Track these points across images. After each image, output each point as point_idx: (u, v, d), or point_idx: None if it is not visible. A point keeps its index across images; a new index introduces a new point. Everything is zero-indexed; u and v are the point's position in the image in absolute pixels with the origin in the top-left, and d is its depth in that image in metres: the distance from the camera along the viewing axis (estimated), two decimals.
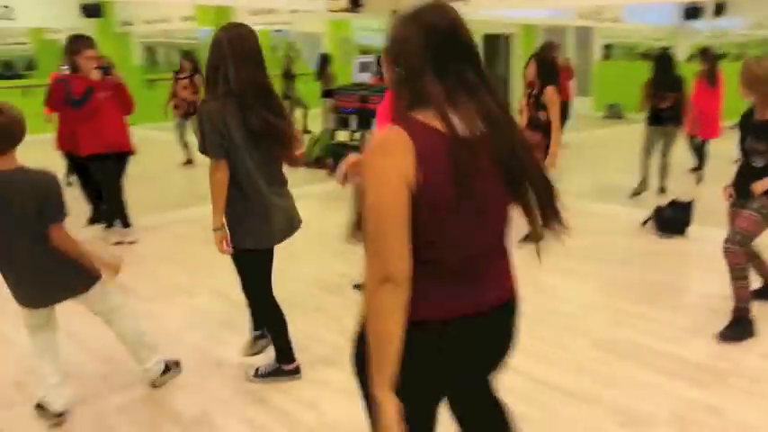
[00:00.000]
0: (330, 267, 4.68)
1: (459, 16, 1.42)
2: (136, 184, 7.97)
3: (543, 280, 4.50)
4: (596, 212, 6.08)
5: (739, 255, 3.40)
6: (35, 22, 12.06)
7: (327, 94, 7.84)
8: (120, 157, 5.19)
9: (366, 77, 7.81)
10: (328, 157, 8.12)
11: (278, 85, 10.03)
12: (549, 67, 4.91)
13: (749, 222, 3.39)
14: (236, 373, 3.20)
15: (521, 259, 5.03)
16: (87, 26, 11.95)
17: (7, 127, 2.45)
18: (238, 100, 2.55)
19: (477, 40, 1.47)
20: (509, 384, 3.10)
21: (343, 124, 7.74)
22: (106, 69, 4.97)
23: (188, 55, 8.45)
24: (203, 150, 2.65)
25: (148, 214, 5.94)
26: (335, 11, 6.96)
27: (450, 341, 1.46)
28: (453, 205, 1.35)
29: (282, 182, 2.89)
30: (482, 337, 1.52)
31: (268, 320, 3.08)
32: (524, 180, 1.47)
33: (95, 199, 5.55)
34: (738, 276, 3.43)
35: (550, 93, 4.73)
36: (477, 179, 1.37)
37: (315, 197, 6.69)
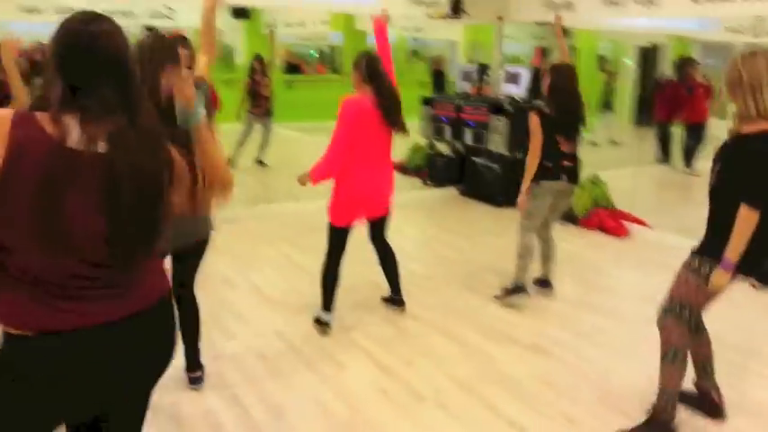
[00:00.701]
0: (365, 276, 4.63)
1: (105, 31, 1.38)
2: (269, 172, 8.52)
3: (587, 320, 4.11)
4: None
5: (672, 329, 2.68)
6: (192, 22, 13.29)
7: (427, 101, 7.78)
8: None
9: (467, 87, 7.63)
10: (425, 166, 8.08)
11: (426, 90, 10.00)
12: (562, 83, 4.04)
13: (680, 286, 2.68)
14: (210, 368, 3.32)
15: (563, 298, 4.41)
16: (237, 26, 13.00)
17: None
18: None
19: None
20: (476, 417, 2.91)
21: (439, 133, 7.63)
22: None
23: (258, 56, 8.74)
24: None
25: (242, 207, 6.33)
26: (435, 17, 6.87)
27: (40, 356, 1.39)
28: (32, 212, 1.29)
29: None
30: (79, 355, 1.43)
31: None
32: (128, 211, 1.38)
33: None
34: (666, 357, 2.71)
35: (531, 119, 3.98)
36: (70, 196, 1.32)
37: (403, 205, 6.58)
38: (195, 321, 3.07)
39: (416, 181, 8.14)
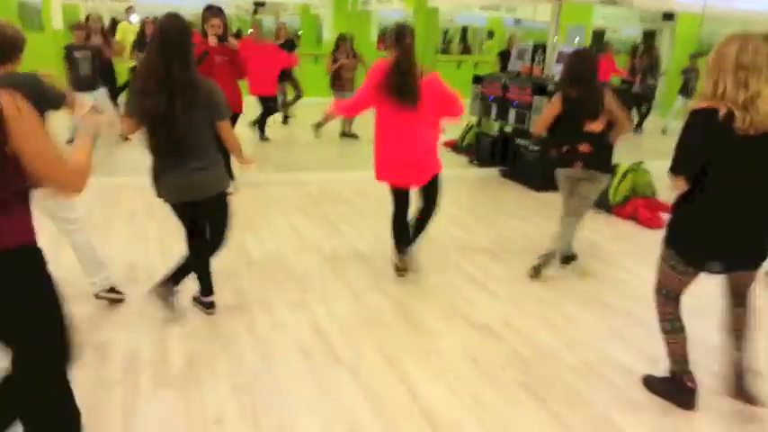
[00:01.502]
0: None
1: None
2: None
3: (562, 309, 3.86)
4: None
5: (659, 303, 2.87)
6: None
7: (477, 80, 7.55)
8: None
9: (519, 66, 7.30)
10: (473, 145, 7.88)
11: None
12: (578, 67, 4.04)
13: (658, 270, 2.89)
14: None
15: (553, 286, 4.24)
16: (325, 2, 13.30)
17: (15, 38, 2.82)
18: None
19: None
20: (379, 383, 2.88)
21: (486, 112, 7.40)
22: (222, 38, 5.57)
23: (342, 35, 8.78)
24: None
25: (270, 172, 6.52)
26: None
27: None
28: None
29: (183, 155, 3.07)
30: None
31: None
32: None
33: None
34: (662, 328, 2.87)
35: (554, 97, 4.18)
36: None
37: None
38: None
39: (465, 160, 7.98)
